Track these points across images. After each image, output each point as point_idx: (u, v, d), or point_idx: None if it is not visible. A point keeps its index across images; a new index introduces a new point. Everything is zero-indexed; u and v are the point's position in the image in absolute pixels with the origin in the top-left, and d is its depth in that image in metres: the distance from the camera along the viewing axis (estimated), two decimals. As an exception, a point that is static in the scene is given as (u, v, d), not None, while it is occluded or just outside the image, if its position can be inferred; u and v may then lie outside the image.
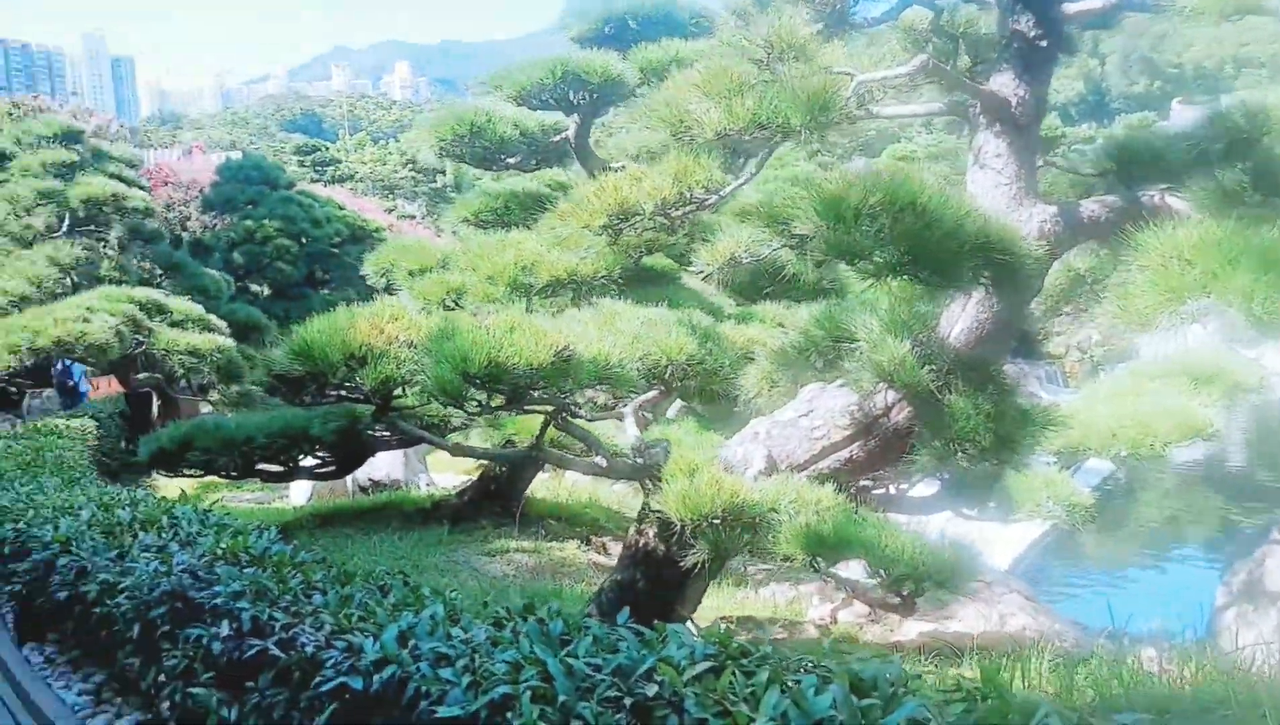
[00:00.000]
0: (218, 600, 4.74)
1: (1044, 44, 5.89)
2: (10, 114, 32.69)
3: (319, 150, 56.63)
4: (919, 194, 4.49)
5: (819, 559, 4.77)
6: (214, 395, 20.38)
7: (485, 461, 11.68)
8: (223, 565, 5.37)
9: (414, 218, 59.53)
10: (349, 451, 11.20)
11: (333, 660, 3.85)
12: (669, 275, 12.35)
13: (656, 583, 6.35)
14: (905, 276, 4.51)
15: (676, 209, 6.58)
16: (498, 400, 5.12)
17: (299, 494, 16.10)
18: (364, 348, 5.28)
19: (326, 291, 28.91)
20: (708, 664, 3.20)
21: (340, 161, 62.04)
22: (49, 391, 27.61)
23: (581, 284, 9.65)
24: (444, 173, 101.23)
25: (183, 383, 20.41)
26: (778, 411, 6.54)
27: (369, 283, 29.50)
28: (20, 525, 8.14)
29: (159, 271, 21.50)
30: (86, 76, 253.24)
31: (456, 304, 9.99)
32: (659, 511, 5.64)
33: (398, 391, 5.49)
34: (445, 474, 17.69)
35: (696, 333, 6.90)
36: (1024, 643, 6.84)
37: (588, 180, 11.90)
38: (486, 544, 10.18)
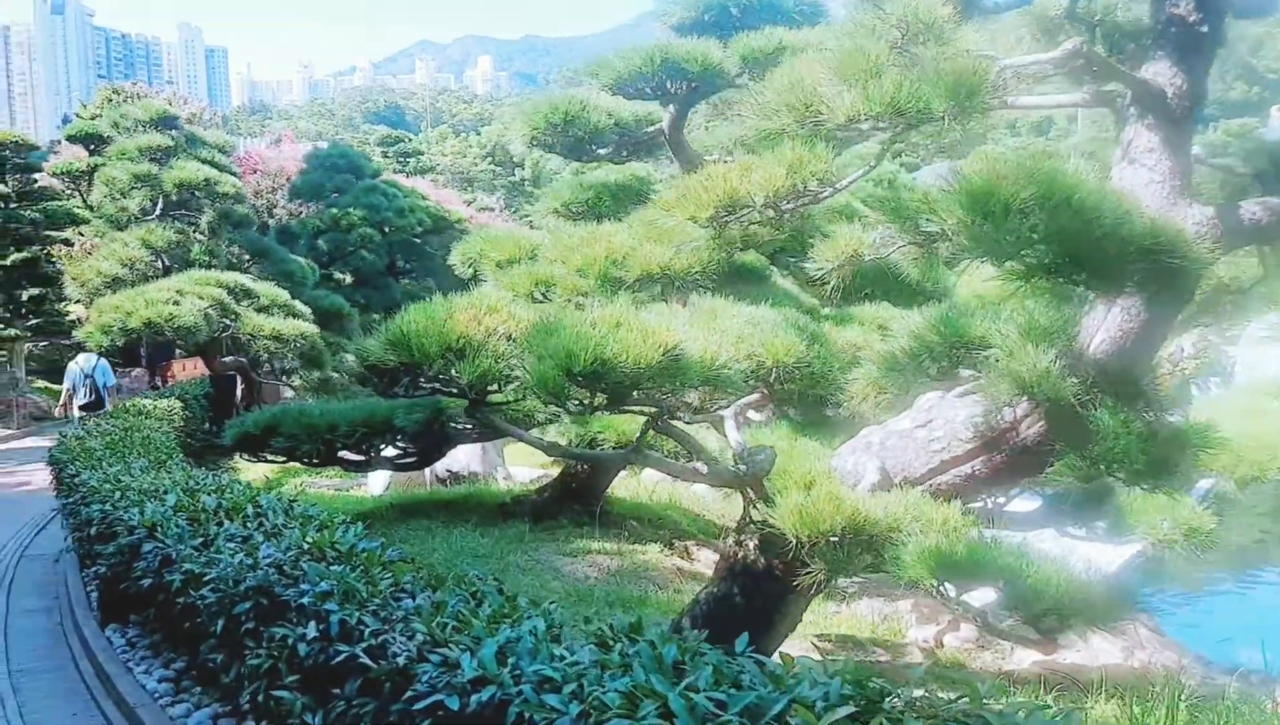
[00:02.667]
0: (305, 599, 4.51)
1: (1204, 29, 5.39)
2: (110, 100, 33.49)
3: (402, 141, 57.15)
4: (1076, 189, 4.06)
5: (946, 585, 4.37)
6: (295, 380, 20.54)
7: (565, 458, 11.44)
8: (309, 561, 5.16)
9: (493, 210, 59.84)
10: (430, 443, 11.05)
11: (427, 675, 3.58)
12: (760, 273, 11.97)
13: (756, 598, 6.00)
14: (1059, 279, 4.09)
15: (788, 202, 6.22)
16: (600, 399, 4.81)
17: (377, 483, 16.05)
18: (462, 340, 5.02)
19: (406, 281, 29.06)
20: (847, 709, 2.84)
21: (422, 153, 62.61)
22: (138, 371, 28.24)
23: (674, 279, 9.32)
24: (523, 166, 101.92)
25: (266, 367, 20.62)
26: (892, 420, 6.14)
27: (454, 273, 29.65)
28: (107, 507, 8.11)
29: (247, 256, 21.74)
30: (182, 66, 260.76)
31: (545, 296, 9.74)
32: (766, 524, 5.29)
33: (493, 386, 5.22)
34: (521, 467, 17.54)
35: (802, 334, 6.52)
36: (1150, 678, 6.33)
37: (680, 173, 11.59)
38: (568, 543, 9.92)
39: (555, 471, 18.60)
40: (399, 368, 5.28)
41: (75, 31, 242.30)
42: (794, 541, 4.68)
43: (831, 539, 4.55)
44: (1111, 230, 3.95)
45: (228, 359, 19.60)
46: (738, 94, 11.62)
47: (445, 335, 5.02)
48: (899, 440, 5.94)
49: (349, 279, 27.54)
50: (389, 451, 11.54)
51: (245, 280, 18.45)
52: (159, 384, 26.13)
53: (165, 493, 7.90)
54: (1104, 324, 5.18)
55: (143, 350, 27.64)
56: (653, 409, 5.28)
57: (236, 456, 20.80)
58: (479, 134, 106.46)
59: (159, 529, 6.65)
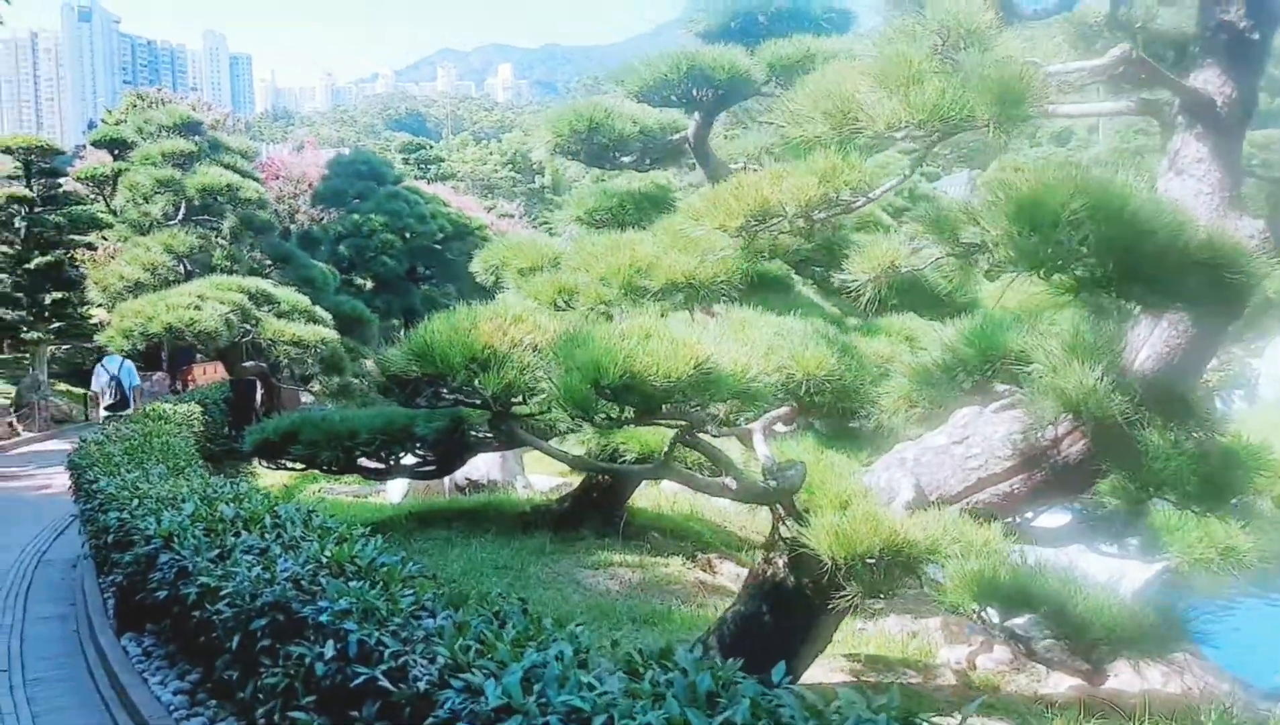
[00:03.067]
0: (323, 617, 4.38)
1: (1255, 36, 5.21)
2: (135, 105, 33.68)
3: (423, 148, 57.36)
4: (1128, 200, 3.89)
5: (989, 611, 4.20)
6: (315, 386, 20.50)
7: (590, 471, 11.28)
8: (328, 576, 5.04)
9: (513, 216, 59.91)
10: (450, 451, 10.93)
11: (449, 701, 3.44)
12: (783, 282, 11.80)
13: (785, 618, 5.83)
14: (1111, 293, 3.91)
15: (820, 211, 6.08)
16: (628, 414, 4.67)
17: (396, 491, 15.96)
18: (487, 351, 4.89)
19: (426, 287, 29.02)
20: (897, 747, 2.68)
21: (444, 160, 62.81)
22: (159, 374, 28.31)
23: (699, 288, 9.16)
24: (543, 174, 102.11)
25: (286, 372, 20.59)
26: (927, 436, 5.97)
27: (475, 280, 29.60)
28: (124, 515, 8.02)
29: (268, 262, 21.75)
30: (206, 73, 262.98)
31: (568, 304, 9.62)
32: (796, 542, 5.12)
33: (517, 399, 5.09)
34: (541, 475, 17.42)
35: (832, 346, 6.36)
36: (1194, 704, 6.11)
37: (704, 181, 11.46)
38: (589, 555, 9.77)
39: (576, 480, 18.50)
40: (422, 378, 5.15)
41: (102, 38, 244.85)
42: (829, 563, 4.51)
43: (869, 561, 4.38)
44: (1168, 243, 3.78)
45: (248, 364, 19.58)
46: (763, 102, 11.52)
47: (470, 346, 4.88)
48: (934, 457, 5.77)
49: (369, 284, 27.53)
50: (408, 459, 11.43)
51: (266, 285, 18.41)
52: (180, 388, 26.18)
53: (183, 501, 7.81)
54: (1149, 339, 5.00)
55: (164, 354, 27.73)
56: (681, 423, 5.13)
57: (256, 462, 20.86)
58: (500, 141, 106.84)
59: (175, 539, 6.54)
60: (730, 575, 10.07)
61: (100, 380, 16.50)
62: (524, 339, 5.02)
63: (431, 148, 60.77)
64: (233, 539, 6.40)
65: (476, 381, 4.91)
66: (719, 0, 10.28)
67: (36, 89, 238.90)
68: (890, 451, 6.09)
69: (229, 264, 20.24)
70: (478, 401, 5.21)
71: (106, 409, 16.40)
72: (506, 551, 9.65)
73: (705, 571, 10.05)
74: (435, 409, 10.55)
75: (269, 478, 19.04)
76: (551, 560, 9.49)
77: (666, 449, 5.42)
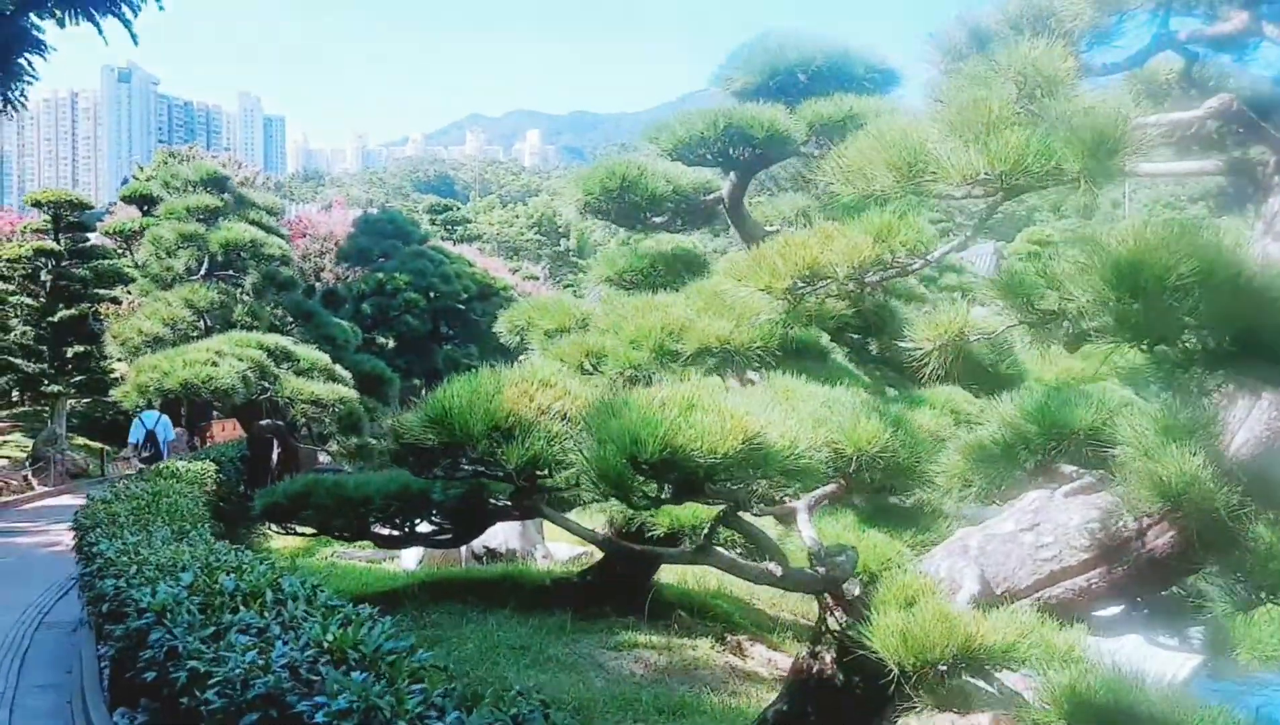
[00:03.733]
0: (319, 717, 3.88)
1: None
2: (166, 163, 33.95)
3: (450, 209, 57.61)
4: (1242, 265, 3.42)
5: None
6: (332, 445, 20.10)
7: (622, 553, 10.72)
8: (329, 665, 4.54)
9: (538, 279, 59.98)
10: (469, 520, 10.45)
11: (460, 833, 2.93)
12: (819, 349, 11.34)
13: (833, 718, 5.28)
14: (1227, 368, 3.43)
15: (874, 274, 5.64)
16: (667, 492, 4.20)
17: (410, 557, 15.44)
18: (511, 419, 4.44)
19: (448, 347, 28.72)
20: None
21: (470, 221, 63.12)
22: (177, 430, 28.02)
23: (733, 354, 8.72)
24: (568, 236, 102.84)
25: (304, 431, 20.23)
26: (991, 521, 5.44)
27: (498, 341, 29.24)
28: (120, 583, 7.56)
29: (290, 319, 21.53)
30: (240, 133, 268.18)
31: (595, 368, 9.19)
32: (852, 639, 4.59)
33: (543, 471, 4.62)
34: (561, 543, 16.85)
35: (884, 418, 5.87)
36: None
37: (739, 243, 11.08)
38: (612, 635, 9.20)
39: (597, 550, 17.92)
40: (439, 448, 4.70)
41: (140, 99, 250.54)
42: (895, 669, 3.98)
43: (942, 668, 3.85)
44: (1293, 314, 3.30)
45: (264, 422, 19.23)
46: (798, 165, 11.18)
47: (492, 413, 4.44)
48: (1001, 545, 5.24)
49: (391, 343, 27.29)
50: (423, 528, 10.95)
51: (286, 342, 18.12)
52: (197, 444, 25.85)
53: (182, 569, 7.34)
54: (1246, 421, 4.49)
55: (183, 410, 27.48)
56: (722, 503, 4.64)
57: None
58: (526, 204, 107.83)
59: (169, 615, 6.07)
60: (761, 660, 9.47)
61: (137, 433, 16.99)
62: (552, 406, 4.57)
63: (459, 209, 61.03)
64: (230, 616, 5.92)
65: (499, 452, 4.45)
66: (756, 59, 9.98)
67: (74, 148, 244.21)
68: (951, 538, 5.56)
69: (250, 320, 20.01)
70: (499, 473, 4.74)
71: (141, 461, 16.65)
72: (525, 629, 9.10)
73: (735, 655, 9.46)
74: (445, 478, 10.14)
75: (282, 539, 18.59)
76: (572, 640, 8.93)
77: (706, 531, 4.91)
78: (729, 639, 9.72)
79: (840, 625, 5.42)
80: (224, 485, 18.11)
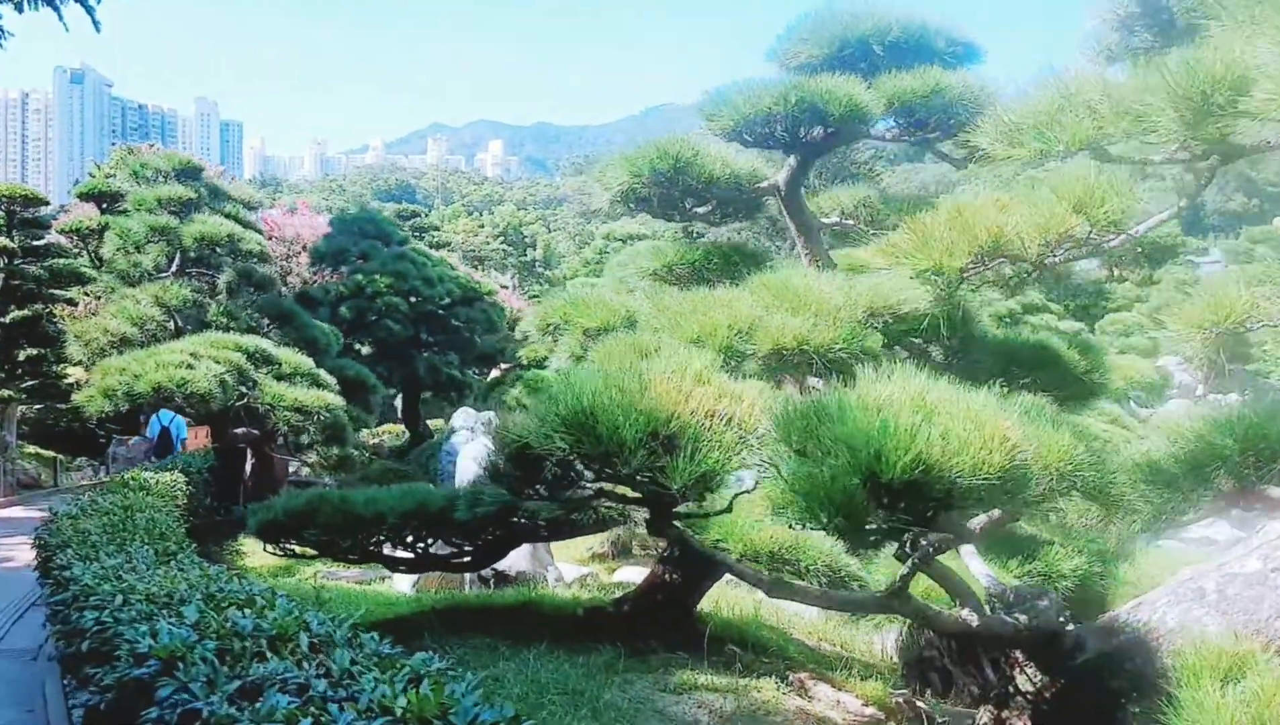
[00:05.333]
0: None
1: None
2: (124, 160, 32.29)
3: (417, 215, 56.08)
4: None
5: None
6: (312, 456, 18.76)
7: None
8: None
9: (506, 287, 58.72)
10: (496, 542, 9.30)
11: None
12: (876, 355, 10.33)
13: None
14: None
15: (1065, 249, 4.62)
16: (901, 521, 3.14)
17: (404, 579, 14.20)
18: (674, 424, 3.35)
19: (428, 354, 27.40)
20: None
21: (438, 228, 61.63)
22: (135, 438, 26.41)
23: (811, 355, 7.65)
24: (534, 247, 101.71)
25: (280, 441, 18.85)
26: (1232, 561, 4.42)
27: (480, 348, 27.72)
28: (106, 617, 6.31)
29: (267, 321, 20.13)
30: (197, 138, 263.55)
31: (651, 371, 8.10)
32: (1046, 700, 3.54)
33: (707, 492, 3.54)
34: (565, 563, 15.71)
35: (1075, 431, 4.84)
36: None
37: (797, 235, 10.06)
38: (668, 675, 8.07)
39: (602, 570, 16.77)
40: (567, 456, 3.58)
41: (93, 100, 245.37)
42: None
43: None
44: None
45: (239, 431, 17.86)
46: (862, 149, 10.20)
47: (651, 416, 3.34)
48: (1246, 589, 4.22)
49: (368, 349, 25.89)
50: (437, 549, 9.78)
51: (266, 345, 16.78)
52: (158, 454, 24.30)
53: (182, 602, 6.10)
54: None
55: (144, 417, 25.86)
56: (944, 533, 3.57)
57: (239, 537, 18.99)
58: (491, 213, 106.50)
59: (182, 664, 4.86)
60: (829, 701, 8.38)
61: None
62: (718, 409, 3.48)
63: (426, 216, 59.50)
64: (258, 666, 4.71)
65: (661, 466, 3.35)
66: (824, 29, 8.96)
67: (24, 149, 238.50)
68: (1175, 579, 4.53)
69: (225, 320, 18.60)
70: (641, 494, 3.64)
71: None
72: (570, 668, 7.93)
73: (800, 696, 8.36)
74: (481, 490, 8.95)
75: (257, 558, 17.22)
76: (626, 682, 7.79)
77: (906, 573, 3.83)
78: (790, 678, 8.62)
79: (1036, 685, 4.38)
80: (192, 499, 16.75)
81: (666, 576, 9.42)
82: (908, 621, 10.69)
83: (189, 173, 20.21)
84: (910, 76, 8.42)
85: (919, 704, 9.13)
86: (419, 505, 9.00)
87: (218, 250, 18.64)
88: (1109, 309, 45.14)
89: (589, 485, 3.89)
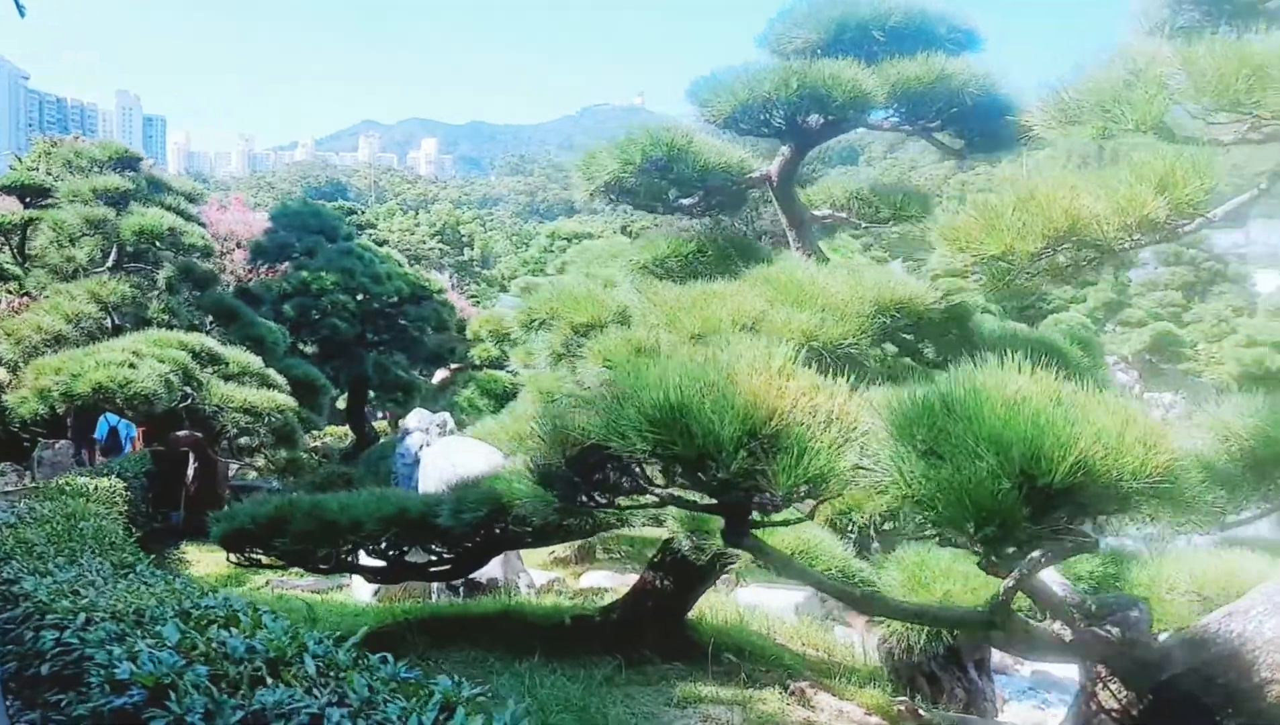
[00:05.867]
0: None
1: None
2: (49, 153, 30.87)
3: (354, 212, 54.83)
4: None
5: None
6: (259, 460, 17.96)
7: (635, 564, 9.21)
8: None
9: (445, 288, 57.68)
10: (479, 549, 8.82)
11: None
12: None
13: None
14: None
15: (1141, 234, 4.35)
16: (1050, 529, 2.79)
17: (364, 588, 13.58)
18: (777, 422, 2.96)
19: (374, 354, 26.59)
20: None
21: (375, 226, 60.36)
22: (61, 443, 25.17)
23: (820, 351, 7.31)
24: (471, 246, 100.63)
25: (224, 443, 18.03)
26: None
27: (429, 347, 27.01)
28: (70, 638, 5.71)
29: (210, 318, 19.23)
30: (118, 133, 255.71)
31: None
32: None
33: (807, 497, 3.15)
34: (530, 569, 15.22)
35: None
36: None
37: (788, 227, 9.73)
38: (669, 687, 7.68)
39: (567, 575, 16.30)
40: (640, 459, 3.17)
41: (7, 94, 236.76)
42: None
43: None
44: None
45: (182, 433, 17.02)
46: (858, 139, 9.91)
47: (748, 413, 2.95)
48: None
49: (312, 349, 25.00)
50: (415, 557, 9.26)
51: (212, 343, 15.99)
52: (85, 459, 23.19)
53: (155, 620, 5.53)
54: None
55: (70, 420, 24.64)
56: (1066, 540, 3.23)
57: (181, 544, 18.13)
58: (428, 211, 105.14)
59: (174, 692, 4.34)
60: (832, 712, 8.07)
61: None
62: (818, 405, 3.10)
63: (363, 213, 58.22)
64: (263, 694, 4.22)
65: (762, 469, 2.96)
66: (823, 12, 8.63)
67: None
68: (1265, 586, 4.26)
69: (166, 318, 17.70)
70: (717, 500, 3.24)
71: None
72: (568, 683, 7.49)
73: (804, 706, 8.04)
74: (466, 493, 8.46)
75: (201, 566, 16.43)
76: (628, 696, 7.38)
77: (1008, 589, 3.49)
78: (791, 687, 8.29)
79: (1122, 703, 4.07)
80: (131, 505, 15.93)
81: (657, 583, 9.03)
82: (892, 625, 10.48)
83: (126, 163, 19.25)
84: (913, 63, 8.14)
85: (921, 712, 8.87)
86: (398, 511, 8.49)
87: (158, 244, 17.74)
88: (1047, 310, 45.86)
89: (658, 491, 3.49)
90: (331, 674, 4.49)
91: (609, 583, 15.40)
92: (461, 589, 12.01)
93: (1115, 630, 3.85)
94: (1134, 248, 4.47)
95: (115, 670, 4.70)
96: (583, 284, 9.70)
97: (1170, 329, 44.32)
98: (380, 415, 33.65)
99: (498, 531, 8.35)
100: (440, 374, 29.99)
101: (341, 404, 28.62)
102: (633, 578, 16.15)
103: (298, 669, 4.53)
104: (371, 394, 28.17)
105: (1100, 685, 4.07)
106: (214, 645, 4.91)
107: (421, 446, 17.89)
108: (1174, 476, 2.77)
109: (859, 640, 12.81)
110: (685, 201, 9.94)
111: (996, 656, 11.73)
